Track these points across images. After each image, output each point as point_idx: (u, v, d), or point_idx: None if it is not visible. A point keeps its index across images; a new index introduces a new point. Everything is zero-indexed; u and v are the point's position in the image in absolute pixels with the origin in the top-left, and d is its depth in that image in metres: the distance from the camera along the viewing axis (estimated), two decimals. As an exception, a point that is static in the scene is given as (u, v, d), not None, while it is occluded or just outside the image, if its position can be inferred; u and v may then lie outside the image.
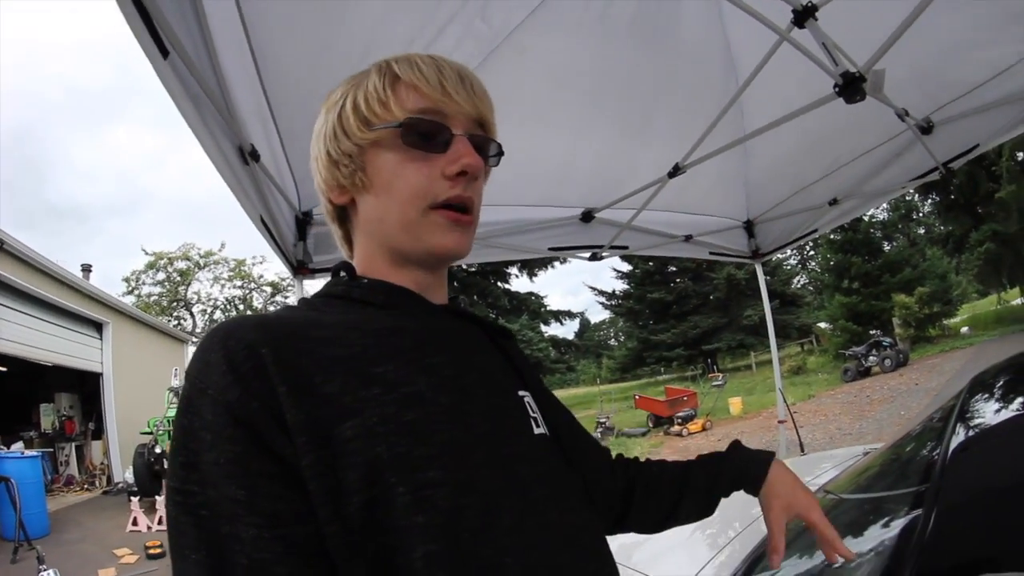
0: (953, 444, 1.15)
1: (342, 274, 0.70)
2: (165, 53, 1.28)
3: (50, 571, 4.44)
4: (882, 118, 2.45)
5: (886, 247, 23.02)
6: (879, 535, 1.19)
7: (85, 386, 14.11)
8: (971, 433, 1.23)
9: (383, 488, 0.50)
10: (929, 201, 21.29)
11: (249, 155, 1.79)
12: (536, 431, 0.66)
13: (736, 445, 0.93)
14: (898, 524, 1.09)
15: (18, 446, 9.44)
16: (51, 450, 12.36)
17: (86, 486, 12.25)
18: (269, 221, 2.07)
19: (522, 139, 2.47)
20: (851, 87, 1.71)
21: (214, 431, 0.49)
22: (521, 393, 0.68)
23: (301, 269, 2.47)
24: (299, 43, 1.73)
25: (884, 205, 23.77)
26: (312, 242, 2.47)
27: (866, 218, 22.15)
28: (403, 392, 0.55)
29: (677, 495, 0.89)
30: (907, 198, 23.83)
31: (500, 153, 0.72)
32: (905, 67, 2.09)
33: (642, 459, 0.95)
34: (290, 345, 0.53)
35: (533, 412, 0.67)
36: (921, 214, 26.48)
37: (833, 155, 3.03)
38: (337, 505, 0.49)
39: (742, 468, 0.89)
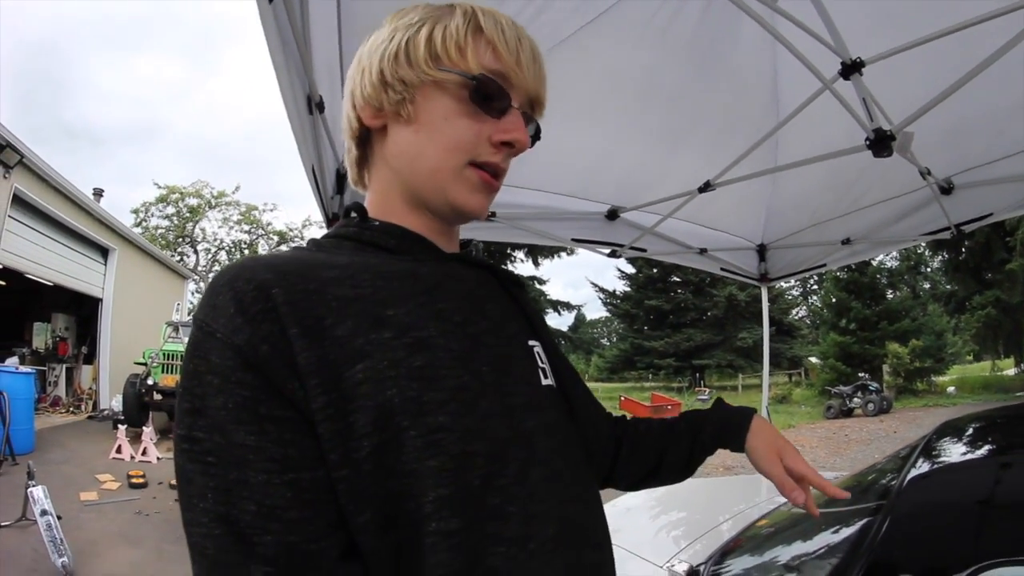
0: (912, 473, 1.29)
1: (353, 215, 0.67)
2: None
3: (38, 488, 4.48)
4: (906, 172, 2.55)
5: (889, 295, 23.16)
6: (838, 543, 1.33)
7: (82, 309, 14.16)
8: (930, 465, 1.38)
9: (394, 432, 0.49)
10: (939, 258, 21.33)
11: (316, 105, 1.87)
12: (544, 382, 0.65)
13: (719, 402, 0.92)
14: (856, 531, 1.23)
15: (13, 361, 9.47)
16: (42, 369, 12.42)
17: (72, 409, 12.34)
18: (318, 171, 2.18)
19: (566, 131, 2.57)
20: (881, 143, 1.81)
21: (222, 375, 0.48)
22: (531, 343, 0.67)
23: (334, 221, 2.57)
24: (381, 4, 1.83)
25: (894, 253, 23.84)
26: (348, 197, 2.60)
27: (875, 263, 22.27)
28: (413, 336, 0.54)
29: (662, 450, 0.87)
30: (918, 251, 23.87)
31: (538, 136, 0.71)
32: (937, 128, 2.19)
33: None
34: (301, 286, 0.51)
35: (542, 363, 0.67)
36: (929, 269, 26.58)
37: (853, 197, 3.14)
38: (347, 449, 0.48)
39: (724, 421, 0.87)
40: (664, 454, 0.87)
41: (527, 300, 0.73)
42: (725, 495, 2.87)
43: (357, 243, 0.64)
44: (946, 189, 2.80)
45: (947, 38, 1.67)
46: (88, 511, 5.76)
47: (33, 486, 4.50)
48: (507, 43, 0.62)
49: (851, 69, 1.72)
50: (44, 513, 4.32)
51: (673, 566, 1.83)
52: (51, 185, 10.43)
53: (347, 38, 1.88)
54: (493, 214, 3.00)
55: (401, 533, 0.50)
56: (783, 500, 2.19)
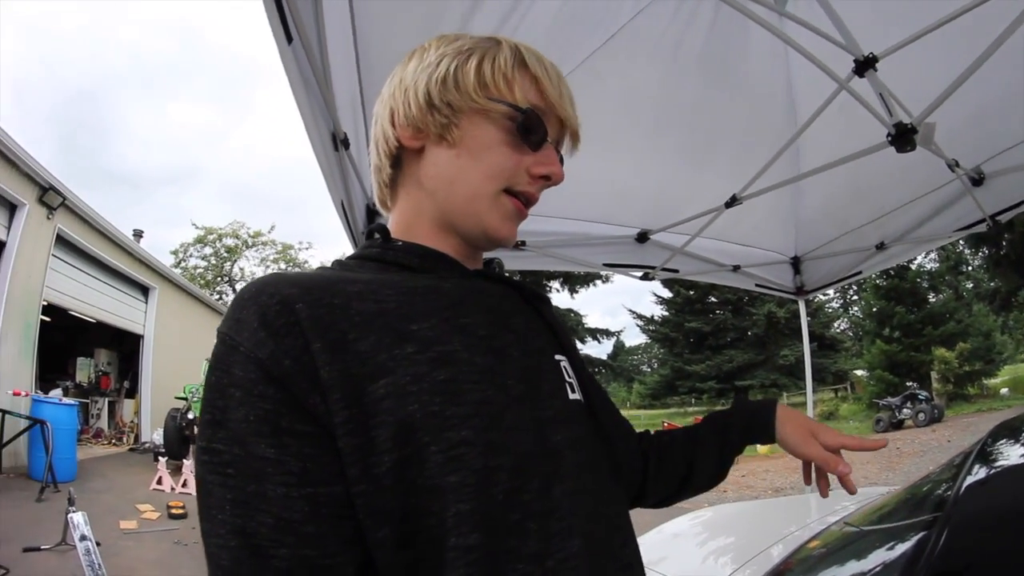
0: (968, 480, 1.22)
1: (376, 236, 0.68)
2: (290, 39, 1.40)
3: (78, 514, 4.60)
4: (933, 166, 2.48)
5: (931, 298, 22.37)
6: (893, 559, 1.26)
7: (124, 345, 14.68)
8: (987, 471, 1.29)
9: (416, 447, 0.49)
10: (980, 255, 20.52)
11: (341, 142, 1.92)
12: (571, 396, 0.65)
13: (740, 399, 0.91)
14: (910, 548, 1.16)
15: (56, 393, 9.80)
16: (85, 402, 12.80)
17: (114, 441, 12.73)
18: (347, 206, 2.22)
19: (589, 157, 2.55)
20: (903, 138, 1.75)
21: (244, 388, 0.48)
22: (558, 357, 0.67)
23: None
24: (398, 41, 1.84)
25: (933, 255, 23.08)
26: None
27: (914, 266, 21.64)
28: (437, 351, 0.53)
29: (690, 458, 0.86)
30: (957, 249, 23.05)
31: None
32: (959, 116, 2.12)
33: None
34: (324, 300, 0.52)
35: (569, 377, 0.66)
36: (970, 267, 25.52)
37: (882, 200, 3.06)
38: (367, 464, 0.48)
39: (750, 416, 0.85)
40: (693, 461, 0.86)
41: (553, 315, 0.73)
42: (774, 517, 2.76)
43: (380, 263, 0.64)
44: (977, 180, 2.71)
45: (958, 21, 1.64)
46: (127, 539, 5.89)
47: (73, 512, 4.61)
48: (550, 79, 0.66)
49: (865, 65, 1.68)
50: (83, 538, 4.42)
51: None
52: (93, 226, 10.96)
53: (366, 74, 1.93)
54: (523, 243, 3.02)
55: (420, 549, 0.49)
56: (835, 519, 2.13)
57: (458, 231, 0.67)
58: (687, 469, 0.86)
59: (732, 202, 2.77)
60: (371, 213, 2.48)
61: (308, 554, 0.47)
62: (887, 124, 1.77)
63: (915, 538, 1.13)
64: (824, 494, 0.83)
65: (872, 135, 1.92)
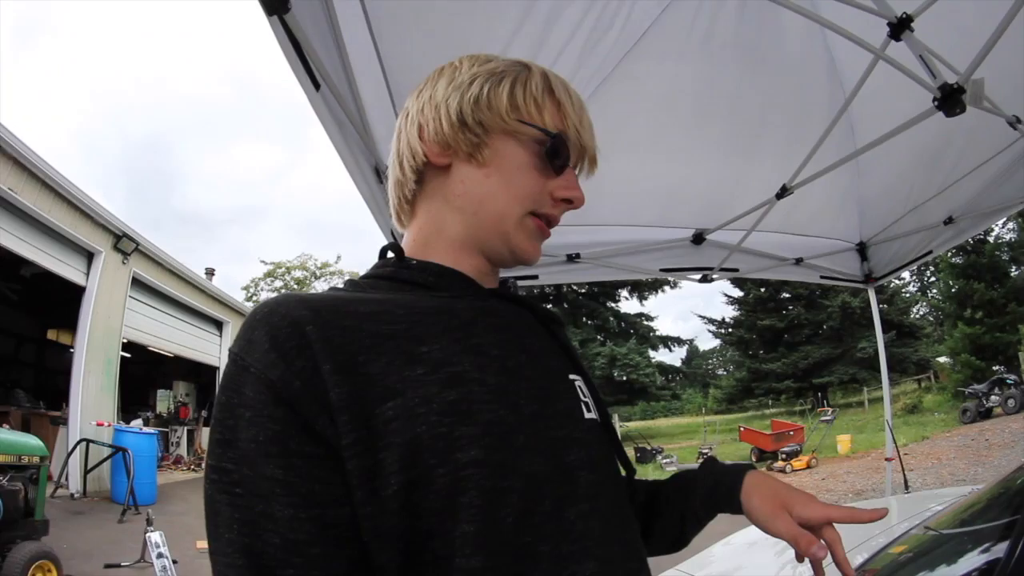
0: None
1: (389, 255, 0.68)
2: (317, 86, 1.46)
3: (156, 533, 4.87)
4: (994, 127, 2.29)
5: (1013, 271, 20.74)
6: (974, 566, 1.16)
7: (201, 377, 15.63)
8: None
9: (422, 470, 0.49)
10: None
11: (384, 174, 1.97)
12: (587, 415, 0.64)
13: (709, 461, 0.81)
14: (990, 554, 1.07)
15: (137, 423, 10.50)
16: (165, 431, 13.55)
17: (193, 467, 13.31)
18: (398, 236, 2.26)
19: (634, 162, 2.56)
20: (950, 100, 1.64)
21: (254, 409, 0.48)
22: (572, 376, 0.67)
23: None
24: (426, 70, 1.90)
25: (1010, 224, 21.38)
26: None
27: (991, 239, 20.20)
28: (447, 372, 0.53)
29: (650, 518, 0.80)
30: (1035, 215, 21.33)
31: None
32: (1013, 68, 1.97)
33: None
34: (335, 322, 0.52)
35: (585, 396, 0.66)
36: None
37: (946, 170, 2.87)
38: (374, 486, 0.48)
39: (714, 483, 0.76)
40: (652, 523, 0.80)
41: (565, 336, 0.73)
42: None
43: (393, 282, 0.64)
44: None
45: None
46: (203, 558, 6.10)
47: (151, 531, 4.88)
48: (574, 106, 0.67)
49: (900, 27, 1.60)
50: (160, 556, 4.72)
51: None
52: (165, 267, 11.75)
53: (399, 103, 1.97)
54: (577, 255, 3.00)
55: (426, 572, 0.49)
56: (917, 522, 2.00)
57: (483, 250, 0.67)
58: (646, 528, 0.80)
59: (783, 192, 2.66)
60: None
61: (314, 575, 0.47)
62: (931, 88, 1.66)
63: (995, 543, 1.04)
64: (848, 572, 0.68)
65: (925, 98, 1.79)
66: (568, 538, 0.54)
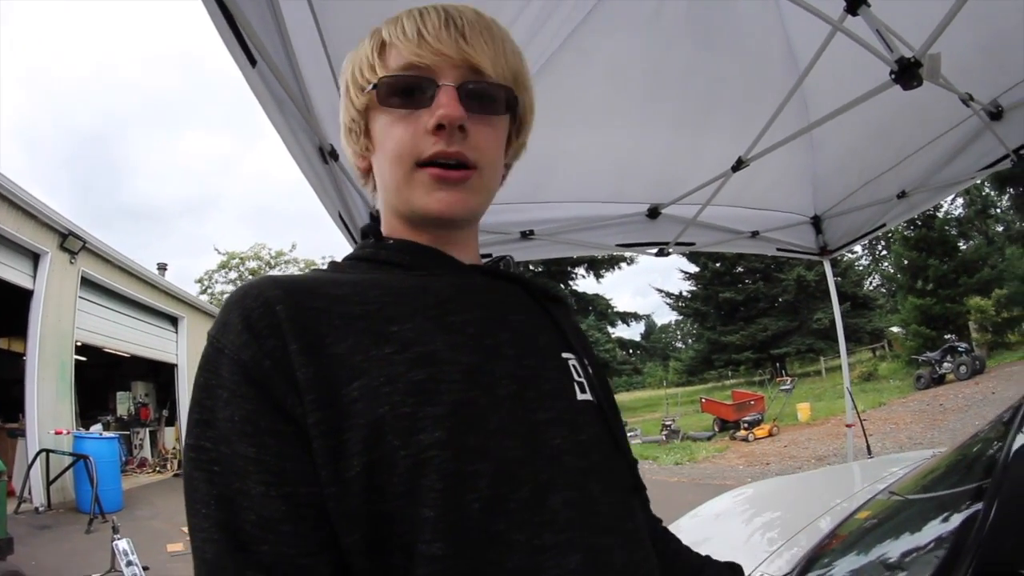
0: (1019, 441, 1.12)
1: (369, 237, 0.69)
2: (253, 62, 1.37)
3: (123, 540, 4.76)
4: (947, 104, 2.35)
5: (962, 246, 21.60)
6: (941, 532, 1.18)
7: (160, 376, 15.16)
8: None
9: (385, 451, 0.48)
10: (1008, 194, 19.70)
11: (328, 155, 1.89)
12: (580, 396, 0.61)
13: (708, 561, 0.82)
14: (959, 520, 1.08)
15: (97, 428, 10.23)
16: (127, 433, 13.22)
17: (158, 468, 13.08)
18: (346, 217, 2.18)
19: (586, 136, 2.52)
20: (907, 73, 1.65)
21: (229, 389, 0.49)
22: (565, 355, 0.63)
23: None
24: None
25: (959, 201, 22.25)
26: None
27: (941, 214, 20.94)
28: (416, 351, 0.52)
29: None
30: (983, 193, 22.18)
31: (511, 97, 0.64)
32: (968, 46, 2.01)
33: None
34: (306, 303, 0.52)
35: (579, 376, 0.62)
36: (999, 209, 24.57)
37: (899, 145, 2.92)
38: (338, 467, 0.47)
39: None
40: None
41: (563, 315, 0.69)
42: (818, 489, 2.68)
43: (372, 262, 0.64)
44: (995, 113, 2.55)
45: None
46: (175, 561, 6.10)
47: (118, 539, 4.76)
48: (405, 33, 0.60)
49: (857, 2, 1.60)
50: (129, 564, 4.60)
51: (763, 573, 1.69)
52: (116, 265, 11.31)
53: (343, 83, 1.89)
54: (531, 232, 2.95)
55: (391, 556, 0.48)
56: (881, 487, 2.04)
57: (413, 221, 0.65)
58: None
59: (739, 165, 2.66)
60: (375, 219, 2.45)
61: (287, 552, 0.47)
62: (888, 61, 1.66)
63: (964, 509, 1.05)
64: None
65: (879, 75, 1.81)
66: (551, 527, 0.51)
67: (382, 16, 1.81)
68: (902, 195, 3.15)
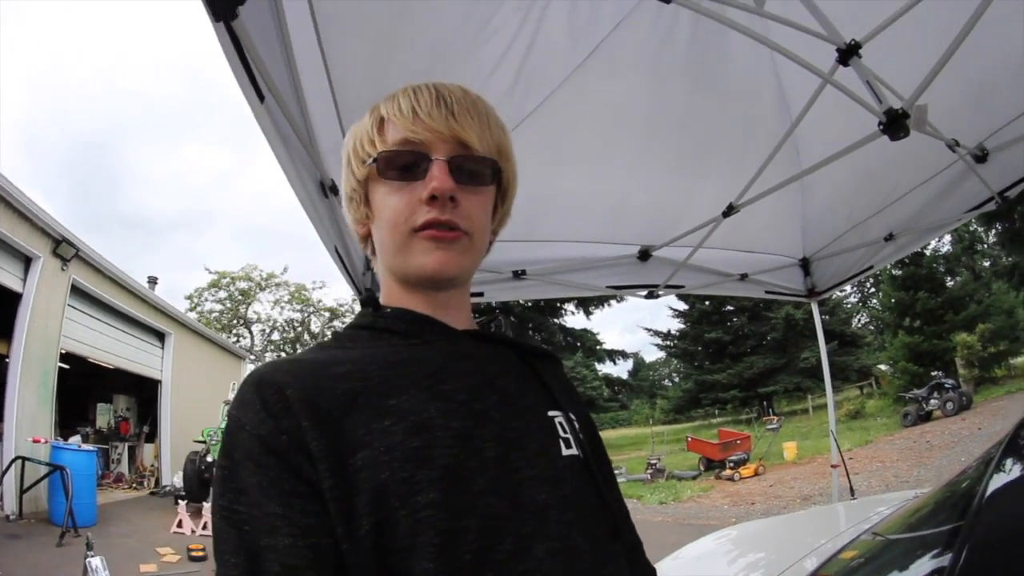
0: (993, 484, 1.15)
1: (368, 308, 0.74)
2: (262, 97, 1.40)
3: (96, 558, 4.62)
4: (935, 149, 2.41)
5: (949, 282, 21.81)
6: (920, 573, 1.19)
7: (143, 391, 14.89)
8: (1015, 473, 1.22)
9: (388, 512, 0.54)
10: (994, 231, 20.01)
11: (329, 189, 1.93)
12: (565, 452, 0.66)
13: None
14: (935, 563, 1.10)
15: (75, 439, 9.98)
16: (105, 447, 13.02)
17: (135, 485, 12.87)
18: (342, 251, 2.20)
19: (580, 176, 2.57)
20: (895, 124, 1.69)
21: (254, 459, 0.55)
22: (552, 413, 0.69)
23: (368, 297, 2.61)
24: (374, 87, 1.87)
25: (947, 238, 22.51)
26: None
27: (928, 252, 21.21)
28: (412, 421, 0.58)
29: None
30: (970, 229, 22.47)
31: (496, 169, 0.70)
32: (954, 94, 2.07)
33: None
34: (313, 383, 0.58)
35: (564, 432, 0.68)
36: (986, 245, 24.89)
37: (887, 189, 2.99)
38: (350, 527, 0.54)
39: None
40: None
41: (552, 372, 0.76)
42: (803, 531, 2.68)
43: (372, 331, 0.69)
44: (980, 157, 2.61)
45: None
46: None
47: (91, 556, 4.63)
48: (401, 110, 0.66)
49: (848, 53, 1.65)
50: None
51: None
52: (107, 275, 11.19)
53: (347, 120, 1.94)
54: (523, 272, 2.98)
55: None
56: (865, 528, 2.05)
57: (411, 283, 0.70)
58: None
59: (729, 211, 2.72)
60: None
61: None
62: (877, 112, 1.71)
63: (937, 551, 1.07)
64: None
65: (870, 123, 1.85)
66: (535, 575, 0.57)
67: (386, 52, 1.85)
68: (889, 237, 3.21)
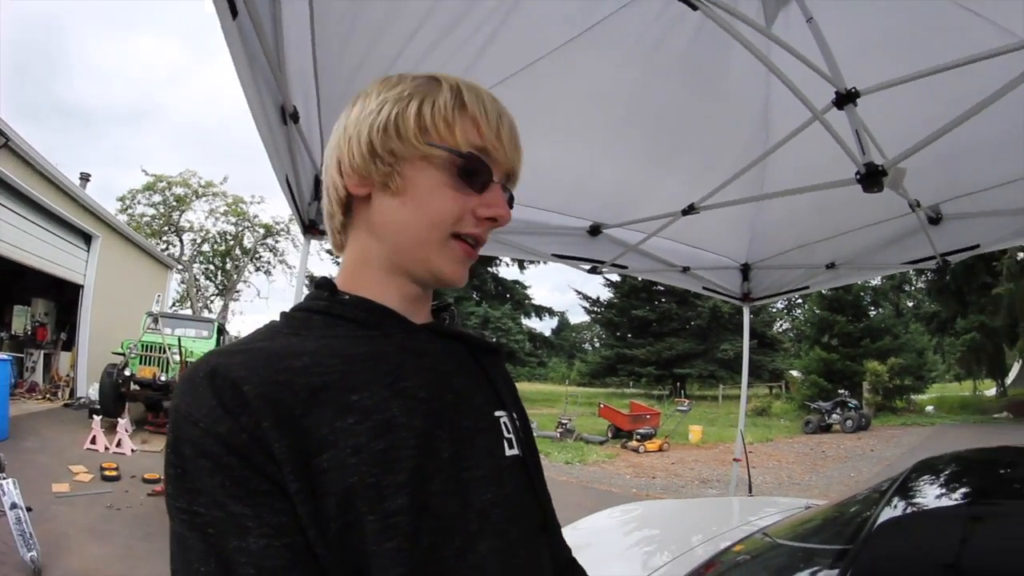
0: (885, 515, 1.26)
1: (323, 291, 0.69)
2: (235, 13, 1.31)
3: (9, 480, 4.41)
4: (894, 199, 2.51)
5: (872, 313, 23.31)
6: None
7: (63, 295, 13.96)
8: (904, 509, 1.35)
9: (355, 516, 0.53)
10: (923, 279, 21.51)
11: (290, 116, 1.84)
12: (508, 452, 0.68)
13: None
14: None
15: (-11, 345, 9.36)
16: (19, 354, 12.27)
17: (48, 396, 12.15)
18: (292, 181, 2.13)
19: (550, 146, 2.55)
20: (872, 178, 1.75)
21: (211, 459, 0.52)
22: (498, 413, 0.70)
23: (311, 229, 2.54)
24: (358, 18, 1.78)
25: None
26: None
27: (859, 281, 22.48)
28: (376, 419, 0.57)
29: None
30: (902, 270, 23.96)
31: (511, 203, 0.73)
32: (926, 154, 2.15)
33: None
34: (270, 379, 0.55)
35: (508, 433, 0.70)
36: (913, 288, 26.81)
37: (840, 220, 3.13)
38: (319, 529, 0.53)
39: None
40: None
41: (496, 367, 0.76)
42: (702, 517, 2.82)
43: (327, 316, 0.65)
44: (934, 219, 2.78)
45: (946, 72, 1.64)
46: (60, 503, 5.67)
47: (3, 479, 4.43)
48: (488, 119, 0.65)
49: (846, 99, 1.67)
50: (13, 506, 4.26)
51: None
52: (36, 169, 10.30)
53: (321, 47, 1.84)
54: None
55: None
56: (758, 527, 2.20)
57: (408, 275, 0.68)
58: None
59: (689, 210, 2.79)
60: (319, 184, 2.43)
61: None
62: (858, 163, 1.75)
63: (827, 566, 1.18)
64: None
65: (841, 166, 1.91)
66: (479, 570, 0.59)
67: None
68: (831, 266, 3.39)
